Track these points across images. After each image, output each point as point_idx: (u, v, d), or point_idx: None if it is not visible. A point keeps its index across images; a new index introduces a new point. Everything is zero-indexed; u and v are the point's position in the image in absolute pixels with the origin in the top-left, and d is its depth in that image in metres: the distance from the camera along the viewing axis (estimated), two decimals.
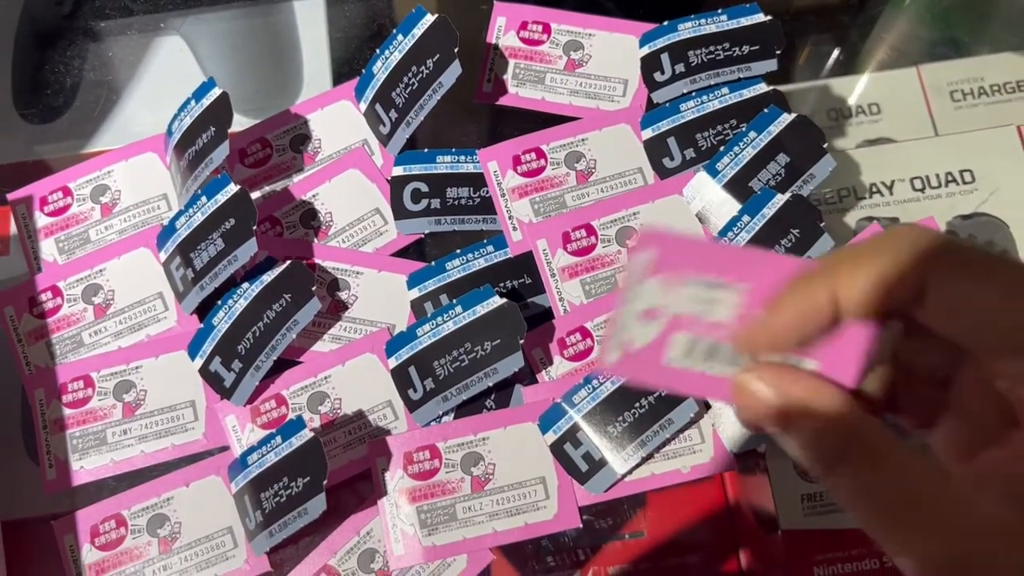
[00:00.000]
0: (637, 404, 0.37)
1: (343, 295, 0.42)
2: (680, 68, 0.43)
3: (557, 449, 0.38)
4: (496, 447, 0.38)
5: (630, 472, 0.37)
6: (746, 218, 0.39)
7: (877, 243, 0.23)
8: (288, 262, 0.40)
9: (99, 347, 0.42)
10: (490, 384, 0.38)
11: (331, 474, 0.38)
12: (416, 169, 0.43)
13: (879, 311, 0.23)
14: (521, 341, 0.37)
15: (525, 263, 0.42)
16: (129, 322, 0.43)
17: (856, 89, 0.53)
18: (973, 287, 0.21)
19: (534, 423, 0.39)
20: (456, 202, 0.43)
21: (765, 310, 0.25)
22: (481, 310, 0.39)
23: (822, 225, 0.39)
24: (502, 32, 0.46)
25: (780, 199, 0.39)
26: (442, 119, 0.49)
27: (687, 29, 0.44)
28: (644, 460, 0.37)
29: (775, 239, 0.39)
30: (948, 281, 0.22)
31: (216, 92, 0.42)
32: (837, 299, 0.23)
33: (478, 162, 0.43)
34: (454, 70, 0.41)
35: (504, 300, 0.38)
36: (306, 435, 0.36)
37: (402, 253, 0.44)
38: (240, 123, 0.46)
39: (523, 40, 0.46)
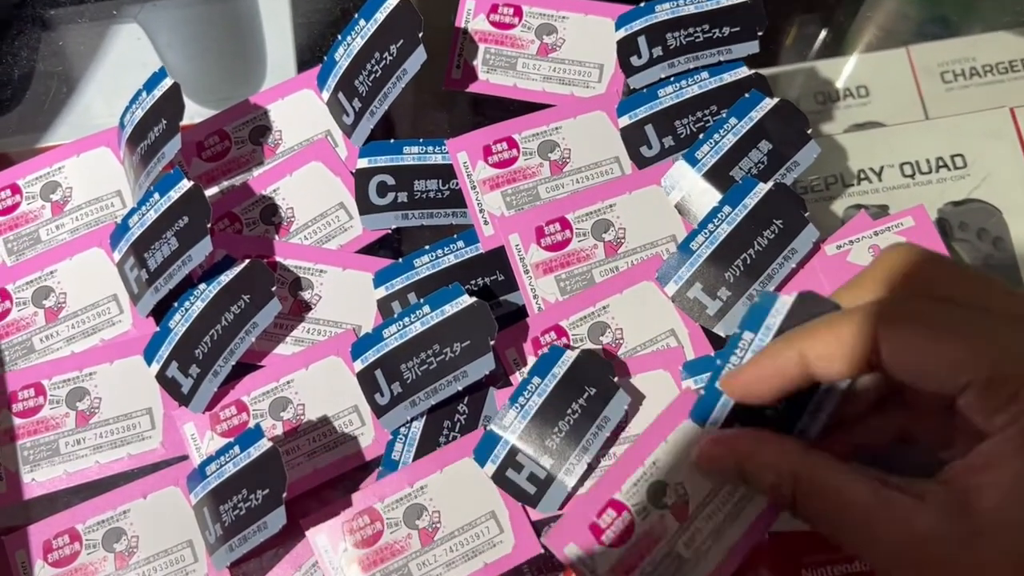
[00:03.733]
0: (569, 411, 0.35)
1: (306, 295, 0.40)
2: (658, 51, 0.41)
3: (500, 478, 0.36)
4: (437, 493, 0.36)
5: (581, 483, 0.35)
6: (727, 209, 0.38)
7: (843, 306, 0.29)
8: (247, 261, 0.38)
9: (50, 353, 0.40)
10: (459, 388, 0.36)
11: (293, 484, 0.37)
12: (382, 161, 0.41)
13: (842, 372, 0.27)
14: (492, 342, 0.36)
15: (498, 259, 0.40)
16: (82, 326, 0.41)
17: (844, 71, 0.51)
18: (915, 341, 0.25)
19: (470, 458, 0.36)
20: (424, 195, 0.41)
21: (746, 363, 0.30)
22: (450, 310, 0.37)
23: (806, 215, 0.37)
24: (471, 16, 0.44)
25: (762, 188, 0.37)
26: (411, 108, 0.47)
27: (665, 10, 0.41)
28: (591, 466, 0.35)
29: (758, 230, 0.37)
30: (895, 339, 0.25)
31: (167, 83, 0.40)
32: (807, 361, 0.27)
33: (447, 153, 0.41)
34: (419, 56, 0.39)
35: (474, 299, 0.36)
36: (264, 445, 0.34)
37: (373, 250, 0.42)
38: (202, 115, 0.44)
39: (493, 24, 0.43)
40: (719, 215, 0.38)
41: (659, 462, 0.33)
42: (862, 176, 0.46)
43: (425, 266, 0.40)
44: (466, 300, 0.36)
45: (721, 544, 0.32)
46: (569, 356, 0.36)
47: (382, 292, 0.39)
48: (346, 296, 0.40)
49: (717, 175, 0.39)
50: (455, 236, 0.40)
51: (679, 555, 0.32)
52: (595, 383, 0.36)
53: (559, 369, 0.36)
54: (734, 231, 0.37)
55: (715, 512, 0.32)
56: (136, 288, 0.39)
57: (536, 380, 0.36)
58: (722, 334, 0.37)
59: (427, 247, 0.40)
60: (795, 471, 0.27)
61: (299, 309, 0.40)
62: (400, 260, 0.40)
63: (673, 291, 0.38)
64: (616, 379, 0.36)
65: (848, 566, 0.41)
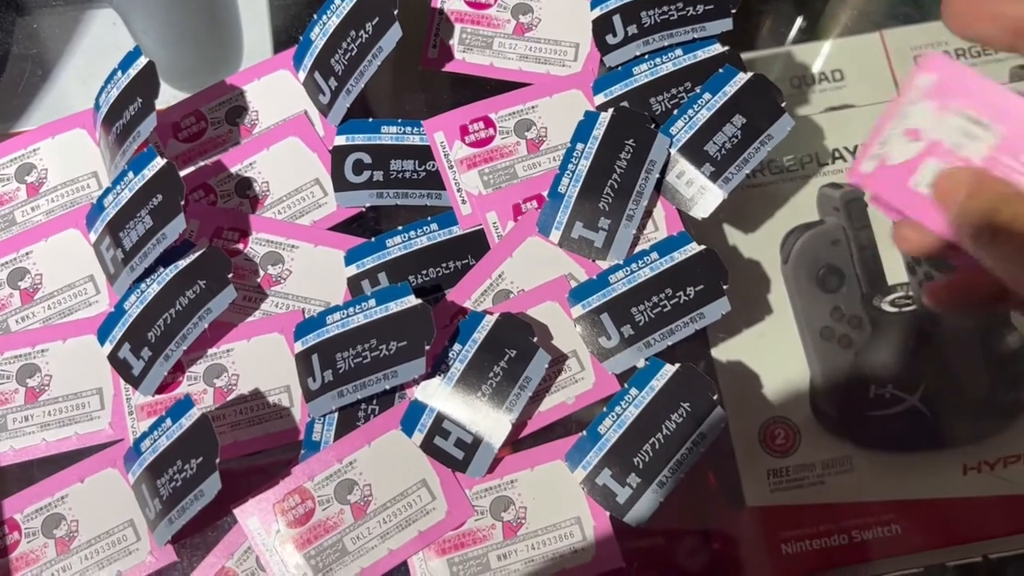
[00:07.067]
0: (491, 374, 0.36)
1: (276, 269, 0.40)
2: (633, 30, 0.41)
3: (428, 446, 0.36)
4: (366, 467, 0.36)
5: (507, 443, 0.36)
6: (580, 145, 0.39)
7: None
8: (205, 247, 0.38)
9: None
10: (387, 387, 0.36)
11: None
12: (359, 139, 0.41)
13: None
14: (427, 347, 0.35)
15: (470, 243, 0.40)
16: (59, 307, 0.40)
17: (819, 55, 0.51)
18: None
19: (398, 429, 0.37)
20: (400, 175, 0.41)
21: None
22: (394, 307, 0.36)
23: (653, 126, 0.39)
24: None
25: (605, 116, 0.39)
26: (390, 89, 0.47)
27: None
28: (515, 426, 0.36)
29: (615, 154, 0.39)
30: None
31: (142, 62, 0.40)
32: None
33: (425, 135, 0.41)
34: (394, 34, 0.39)
35: (419, 301, 0.36)
36: (194, 414, 0.35)
37: (351, 229, 0.42)
38: (179, 99, 0.44)
39: (469, 4, 0.44)
40: (575, 153, 0.39)
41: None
42: (836, 155, 0.46)
43: (397, 246, 0.40)
44: (411, 300, 0.36)
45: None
46: (489, 320, 0.36)
47: (353, 270, 0.39)
48: (316, 272, 0.40)
49: (691, 150, 0.39)
50: (429, 219, 0.41)
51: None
52: (515, 345, 0.36)
53: (479, 334, 0.36)
54: (594, 162, 0.38)
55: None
56: (112, 268, 0.39)
57: (457, 347, 0.36)
58: (616, 261, 0.38)
59: (400, 228, 0.40)
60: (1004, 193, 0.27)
61: (269, 283, 0.40)
62: (372, 239, 0.40)
63: (558, 237, 0.39)
64: (536, 339, 0.36)
65: (826, 540, 0.41)
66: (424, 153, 0.41)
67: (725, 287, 0.37)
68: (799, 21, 0.53)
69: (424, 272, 0.40)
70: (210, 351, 0.39)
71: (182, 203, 0.37)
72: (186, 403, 0.36)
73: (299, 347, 0.37)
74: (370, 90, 0.41)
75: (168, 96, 0.45)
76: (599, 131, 0.39)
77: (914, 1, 0.52)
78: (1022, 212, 0.26)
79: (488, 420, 0.36)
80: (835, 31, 0.52)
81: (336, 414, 0.37)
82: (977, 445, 0.42)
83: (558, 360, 0.38)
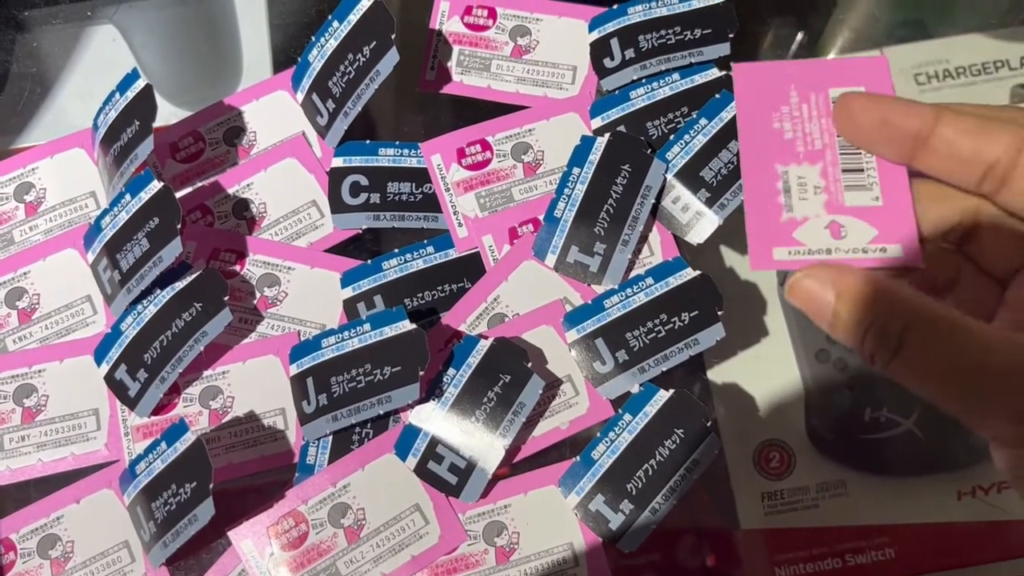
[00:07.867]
0: (485, 399, 0.36)
1: (272, 291, 0.40)
2: (630, 54, 0.41)
3: (422, 471, 0.36)
4: (360, 491, 0.36)
5: (500, 467, 0.36)
6: (576, 170, 0.39)
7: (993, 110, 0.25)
8: (202, 269, 0.38)
9: None
10: (381, 412, 0.36)
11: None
12: (357, 161, 0.41)
13: (964, 162, 0.24)
14: (421, 373, 0.36)
15: (466, 266, 0.40)
16: (56, 327, 0.41)
17: None
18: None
19: (391, 453, 0.37)
20: (397, 198, 0.41)
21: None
22: (389, 332, 0.37)
23: (649, 152, 0.39)
24: (446, 17, 0.44)
25: (602, 141, 0.39)
26: (391, 110, 0.47)
27: (637, 12, 0.42)
28: (509, 451, 0.36)
29: (611, 179, 0.39)
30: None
31: (140, 84, 0.40)
32: (931, 131, 0.25)
33: (422, 157, 0.42)
34: (391, 58, 0.39)
35: (414, 326, 0.36)
36: (189, 439, 0.35)
37: (348, 251, 0.42)
38: (178, 116, 0.44)
39: (468, 26, 0.44)
40: (571, 177, 0.39)
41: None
42: None
43: (393, 269, 0.40)
44: (406, 326, 0.37)
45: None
46: (483, 345, 0.37)
47: (349, 293, 0.40)
48: (312, 295, 0.40)
49: (688, 176, 0.39)
50: (425, 241, 0.41)
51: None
52: (509, 370, 0.36)
53: (473, 359, 0.36)
54: (590, 187, 0.39)
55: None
56: (109, 289, 0.39)
57: (452, 371, 0.37)
58: (611, 285, 0.38)
59: (396, 250, 0.40)
60: (914, 309, 0.23)
61: (265, 305, 0.40)
62: (368, 262, 0.40)
63: (553, 261, 0.39)
64: (530, 365, 0.36)
65: (820, 564, 0.41)
66: (421, 175, 0.41)
67: (720, 313, 0.37)
68: (799, 39, 0.53)
69: (420, 295, 0.40)
70: (206, 373, 0.39)
71: (178, 226, 0.37)
72: (181, 427, 0.36)
73: (294, 370, 0.38)
74: (369, 111, 0.41)
75: (167, 112, 0.45)
76: (595, 156, 0.39)
77: (914, 22, 0.52)
78: (913, 326, 0.23)
79: (482, 445, 0.36)
80: (834, 50, 0.52)
81: (330, 437, 0.38)
82: (971, 470, 0.42)
83: (552, 385, 0.38)
